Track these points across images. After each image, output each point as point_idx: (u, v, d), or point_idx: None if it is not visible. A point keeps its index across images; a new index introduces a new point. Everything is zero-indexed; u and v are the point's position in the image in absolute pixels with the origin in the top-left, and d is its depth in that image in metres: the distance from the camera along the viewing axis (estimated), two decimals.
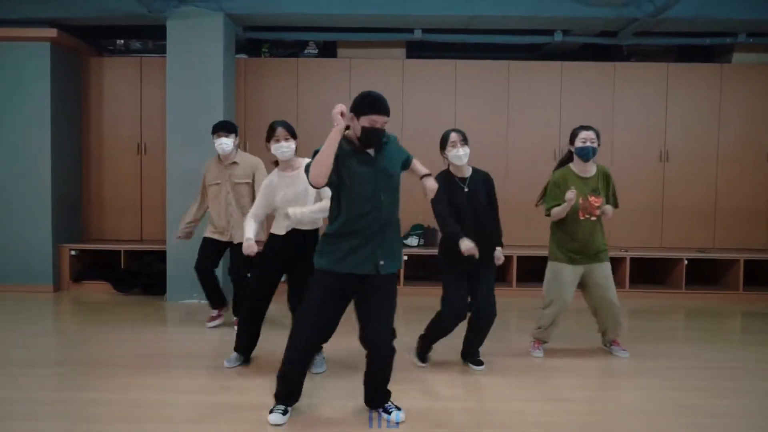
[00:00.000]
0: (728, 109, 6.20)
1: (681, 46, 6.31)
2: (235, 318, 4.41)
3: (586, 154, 3.75)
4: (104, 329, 4.53)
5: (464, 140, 3.53)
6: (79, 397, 3.18)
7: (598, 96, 6.19)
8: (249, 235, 3.51)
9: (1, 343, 4.15)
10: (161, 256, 5.66)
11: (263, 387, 3.34)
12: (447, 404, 3.16)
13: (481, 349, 3.71)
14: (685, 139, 6.23)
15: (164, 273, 5.56)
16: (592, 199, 3.75)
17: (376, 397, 2.97)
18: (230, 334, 4.41)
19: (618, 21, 5.58)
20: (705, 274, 6.21)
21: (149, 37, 6.12)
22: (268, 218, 3.68)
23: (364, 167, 2.76)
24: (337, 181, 2.74)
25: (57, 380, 3.47)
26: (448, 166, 3.60)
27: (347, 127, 2.74)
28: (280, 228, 3.54)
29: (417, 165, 2.95)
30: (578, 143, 3.78)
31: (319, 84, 6.19)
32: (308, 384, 3.06)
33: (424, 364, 3.71)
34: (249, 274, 4.11)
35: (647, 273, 6.28)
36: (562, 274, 3.83)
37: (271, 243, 3.58)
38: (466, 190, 3.54)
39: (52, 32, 5.56)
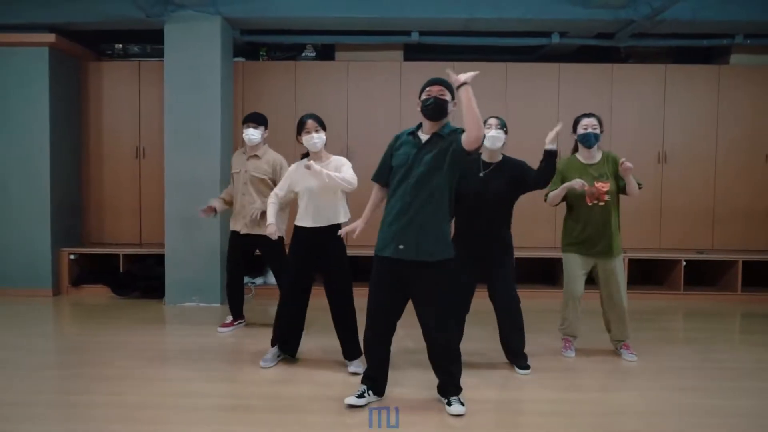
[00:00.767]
0: (726, 111, 6.20)
1: (679, 48, 6.31)
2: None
3: (588, 141, 3.79)
4: (103, 332, 4.54)
5: (501, 126, 3.61)
6: (79, 400, 3.19)
7: (596, 98, 6.18)
8: (271, 219, 3.69)
9: (1, 345, 4.16)
10: (160, 259, 5.67)
11: (263, 390, 3.36)
12: (431, 401, 3.15)
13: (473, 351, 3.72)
14: (683, 140, 6.23)
15: (163, 276, 5.56)
16: (599, 184, 3.76)
17: (442, 386, 3.12)
18: (235, 337, 4.46)
19: (615, 23, 5.58)
20: (703, 275, 6.20)
21: (148, 41, 6.13)
22: (292, 212, 3.78)
23: (408, 148, 2.99)
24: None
25: (57, 383, 3.48)
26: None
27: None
28: (304, 219, 3.62)
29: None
30: (580, 130, 3.83)
31: (317, 87, 6.20)
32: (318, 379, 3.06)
33: None
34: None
35: (645, 274, 6.28)
36: (570, 265, 3.87)
37: (298, 234, 3.66)
38: (480, 175, 3.57)
39: (51, 37, 5.58)
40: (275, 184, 4.16)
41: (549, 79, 6.21)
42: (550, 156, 3.45)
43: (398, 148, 3.06)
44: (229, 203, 4.59)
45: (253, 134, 4.39)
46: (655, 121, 6.24)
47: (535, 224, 6.04)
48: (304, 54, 6.33)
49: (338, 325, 3.72)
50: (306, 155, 3.73)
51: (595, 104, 6.16)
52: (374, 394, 3.14)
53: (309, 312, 3.84)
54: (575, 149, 3.96)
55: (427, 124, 3.02)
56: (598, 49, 6.31)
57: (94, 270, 6.08)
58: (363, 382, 3.16)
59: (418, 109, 3.03)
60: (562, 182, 3.76)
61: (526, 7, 5.47)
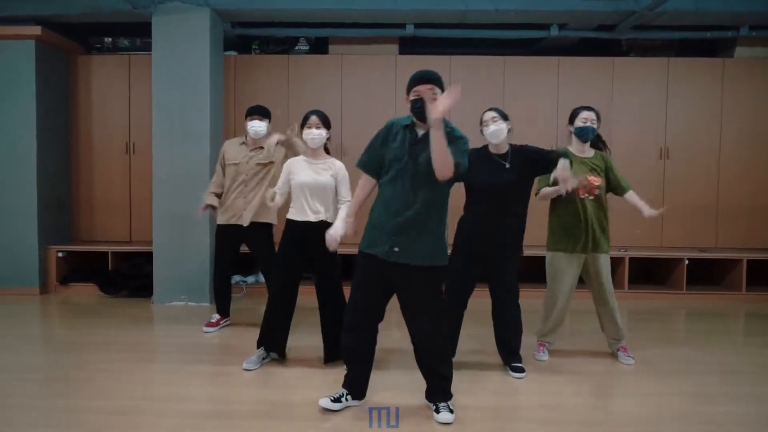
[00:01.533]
0: (730, 105, 6.04)
1: (681, 40, 6.14)
2: None
3: (585, 135, 3.67)
4: (88, 333, 4.41)
5: (500, 117, 3.50)
6: (54, 404, 3.06)
7: (597, 92, 6.03)
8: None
9: None
10: (149, 257, 5.54)
11: (247, 395, 3.23)
12: (421, 406, 3.02)
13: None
14: (686, 135, 6.07)
15: (152, 274, 5.44)
16: (592, 177, 3.63)
17: (430, 391, 2.97)
18: (221, 338, 4.33)
19: (616, 14, 5.43)
20: (707, 274, 6.06)
21: (137, 34, 6.00)
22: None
23: (403, 141, 2.82)
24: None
25: (34, 386, 3.34)
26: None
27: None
28: (296, 213, 3.57)
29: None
30: (578, 122, 3.70)
31: (310, 81, 6.07)
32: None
33: None
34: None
35: (647, 273, 6.14)
36: (558, 263, 3.74)
37: (289, 227, 3.59)
38: (507, 166, 3.46)
39: (37, 30, 5.45)
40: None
41: (548, 74, 6.06)
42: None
43: (392, 139, 2.86)
44: (220, 195, 4.45)
45: (258, 126, 4.30)
46: (657, 116, 6.08)
47: (534, 222, 5.88)
48: (297, 47, 6.20)
49: (327, 324, 3.62)
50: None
51: (596, 99, 5.99)
52: (353, 398, 3.02)
53: (299, 311, 3.72)
54: (569, 142, 3.83)
55: (418, 122, 2.84)
56: (599, 43, 6.16)
57: (83, 268, 5.96)
58: (343, 386, 3.03)
59: (407, 104, 2.85)
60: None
61: None
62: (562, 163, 3.22)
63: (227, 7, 5.34)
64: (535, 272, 5.85)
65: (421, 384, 3.03)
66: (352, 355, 3.00)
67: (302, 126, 3.63)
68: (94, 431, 2.77)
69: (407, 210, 2.76)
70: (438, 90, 2.76)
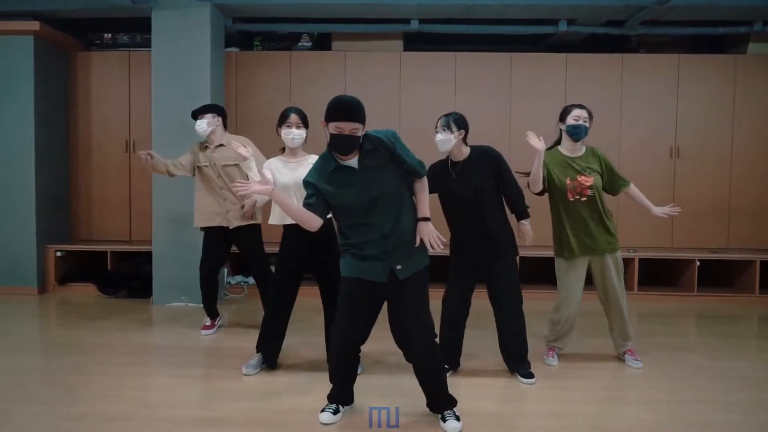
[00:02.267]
0: (743, 103, 5.90)
1: (693, 36, 6.00)
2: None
3: (578, 134, 3.54)
4: (84, 334, 4.32)
5: (445, 126, 3.32)
6: (43, 410, 2.96)
7: (605, 90, 5.90)
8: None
9: None
10: (149, 257, 5.45)
11: (250, 402, 3.12)
12: (426, 414, 2.91)
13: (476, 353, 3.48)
14: (697, 134, 5.93)
15: (151, 275, 5.34)
16: (581, 178, 3.51)
17: (432, 401, 2.86)
18: (220, 341, 4.22)
19: (625, 9, 5.29)
20: (718, 275, 5.91)
21: (137, 30, 5.90)
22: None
23: (343, 183, 2.63)
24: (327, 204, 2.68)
25: (33, 390, 3.24)
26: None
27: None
28: (285, 218, 3.41)
29: (421, 202, 2.79)
30: (570, 120, 3.57)
31: (313, 78, 5.96)
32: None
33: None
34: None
35: (657, 274, 6.00)
36: (561, 270, 3.64)
37: (287, 233, 3.48)
38: (454, 176, 3.35)
39: (35, 25, 5.36)
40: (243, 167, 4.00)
41: (556, 71, 5.94)
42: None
43: (329, 184, 2.62)
44: (168, 173, 4.25)
45: (199, 126, 4.11)
46: (667, 115, 5.94)
47: (538, 222, 5.76)
48: (299, 44, 6.09)
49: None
50: (283, 150, 3.55)
51: (605, 96, 5.90)
52: (345, 405, 2.94)
53: (294, 315, 3.61)
54: (558, 141, 3.70)
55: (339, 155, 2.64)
56: (608, 39, 6.02)
57: (82, 268, 5.88)
58: (331, 401, 2.90)
59: (325, 129, 2.59)
60: (548, 175, 3.53)
61: None
62: (524, 228, 3.43)
63: (228, 1, 5.24)
64: (538, 273, 5.76)
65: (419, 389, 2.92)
66: (342, 378, 2.90)
67: (279, 123, 3.48)
68: None
69: (392, 233, 2.65)
70: (360, 126, 2.55)
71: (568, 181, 3.52)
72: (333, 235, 3.43)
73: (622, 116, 5.90)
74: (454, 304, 3.44)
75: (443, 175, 3.37)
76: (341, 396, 2.92)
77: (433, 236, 2.68)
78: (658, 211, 3.63)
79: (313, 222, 2.66)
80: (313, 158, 3.45)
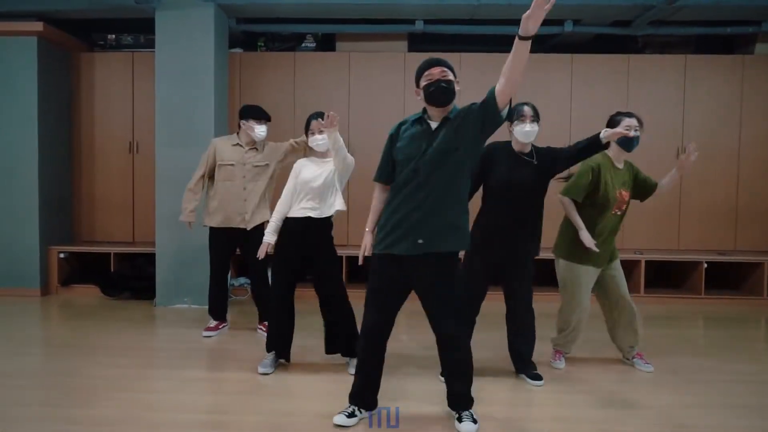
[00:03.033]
0: (750, 103, 5.84)
1: (700, 36, 5.95)
2: (261, 324, 4.34)
3: (630, 144, 3.39)
4: (86, 336, 4.29)
5: (535, 118, 3.26)
6: (43, 413, 2.93)
7: (612, 90, 5.86)
8: (268, 239, 3.53)
9: None
10: (152, 258, 5.42)
11: (256, 405, 3.08)
12: (437, 415, 2.87)
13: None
14: (704, 135, 5.87)
15: (154, 276, 5.31)
16: (623, 193, 3.45)
17: (452, 398, 2.83)
18: (224, 343, 4.19)
19: (632, 9, 5.25)
20: (726, 278, 5.86)
21: (141, 31, 5.89)
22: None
23: (416, 138, 2.70)
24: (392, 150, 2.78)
25: (35, 393, 3.21)
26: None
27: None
28: (293, 210, 3.50)
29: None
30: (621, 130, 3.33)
31: (317, 79, 5.93)
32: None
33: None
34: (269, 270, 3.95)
35: (664, 277, 5.95)
36: (577, 274, 3.50)
37: (287, 226, 3.51)
38: (535, 162, 3.29)
39: (39, 26, 5.35)
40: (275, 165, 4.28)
41: (561, 71, 5.89)
42: (597, 146, 3.17)
43: (402, 138, 2.74)
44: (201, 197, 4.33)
45: (262, 131, 4.19)
46: (674, 115, 5.89)
47: (546, 224, 5.72)
48: (303, 44, 6.06)
49: (333, 320, 3.54)
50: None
51: (611, 97, 5.85)
52: (366, 410, 2.87)
53: (298, 317, 3.59)
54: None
55: (433, 110, 2.71)
56: (614, 39, 5.97)
57: (85, 269, 5.86)
58: (352, 401, 2.87)
59: (418, 97, 2.72)
60: (593, 179, 3.40)
61: None
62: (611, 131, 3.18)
63: (232, 2, 5.22)
64: (548, 276, 5.71)
65: (435, 391, 2.88)
66: (364, 371, 2.85)
67: (306, 130, 3.59)
68: None
69: (425, 201, 2.63)
70: (449, 72, 2.66)
71: (616, 194, 3.42)
72: (328, 233, 3.51)
73: None
74: (468, 301, 3.35)
75: (505, 159, 3.28)
76: (363, 396, 2.85)
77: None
78: (680, 163, 3.44)
79: (383, 196, 2.86)
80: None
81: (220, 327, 4.43)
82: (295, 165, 3.63)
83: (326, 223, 3.50)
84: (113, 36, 5.99)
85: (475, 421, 2.74)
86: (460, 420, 2.75)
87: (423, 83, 2.67)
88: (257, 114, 4.19)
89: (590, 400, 3.19)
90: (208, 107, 5.18)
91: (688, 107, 5.89)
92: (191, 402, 3.13)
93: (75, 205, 6.06)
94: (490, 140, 3.04)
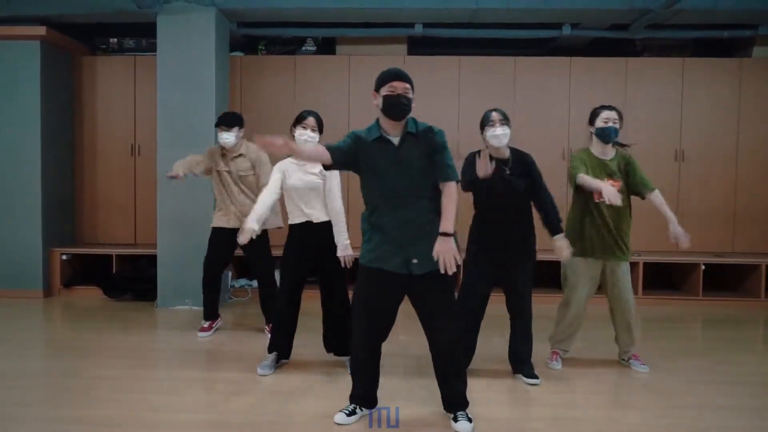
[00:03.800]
0: (748, 106, 5.88)
1: (697, 40, 6.00)
2: (268, 325, 4.31)
3: (608, 135, 3.51)
4: (87, 337, 4.33)
5: (504, 120, 3.31)
6: (42, 413, 2.96)
7: (610, 93, 5.87)
8: (251, 225, 3.54)
9: None
10: (153, 260, 5.46)
11: (255, 405, 3.11)
12: (435, 415, 2.90)
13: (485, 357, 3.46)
14: (702, 137, 5.91)
15: (156, 278, 5.35)
16: (611, 182, 3.48)
17: (446, 400, 2.87)
18: (224, 344, 4.22)
19: (630, 13, 5.29)
20: (723, 279, 5.89)
21: (143, 35, 5.94)
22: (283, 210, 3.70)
23: (383, 156, 2.67)
24: (359, 168, 2.73)
25: (36, 394, 3.25)
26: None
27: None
28: (293, 217, 3.56)
29: (446, 212, 2.64)
30: (599, 123, 3.54)
31: (317, 82, 5.97)
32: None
33: None
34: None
35: (662, 278, 5.98)
36: (579, 266, 3.58)
37: (292, 231, 3.56)
38: (508, 172, 3.32)
39: (42, 30, 5.40)
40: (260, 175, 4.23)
41: (560, 74, 5.93)
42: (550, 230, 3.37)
43: (366, 152, 2.69)
44: (194, 175, 4.38)
45: (227, 137, 4.19)
46: (672, 118, 5.93)
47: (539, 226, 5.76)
48: (304, 48, 6.11)
49: (334, 319, 3.59)
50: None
51: (609, 100, 5.72)
52: (365, 408, 2.92)
53: (300, 318, 3.63)
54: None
55: (387, 122, 2.70)
56: (612, 43, 6.02)
57: (88, 271, 5.90)
58: (352, 401, 2.91)
59: (375, 102, 2.69)
60: (582, 162, 3.51)
61: None
62: (561, 243, 3.32)
63: (233, 6, 5.27)
64: (546, 277, 5.75)
65: (435, 391, 2.91)
66: (361, 373, 2.90)
67: (295, 123, 3.54)
68: None
69: (414, 221, 2.65)
70: (411, 89, 2.66)
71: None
72: (332, 235, 3.52)
73: (626, 120, 5.78)
74: (471, 304, 3.43)
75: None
76: (362, 396, 2.89)
77: (451, 257, 2.56)
78: (674, 229, 3.52)
79: (323, 156, 2.65)
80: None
81: (214, 325, 4.47)
82: (279, 164, 3.61)
83: (328, 225, 3.52)
84: (115, 40, 6.05)
85: (470, 420, 2.78)
86: (455, 420, 2.79)
87: (384, 93, 2.64)
88: (222, 120, 4.22)
89: (587, 401, 3.22)
90: (209, 110, 5.21)
91: (686, 110, 5.92)
92: (192, 402, 3.16)
93: (77, 207, 6.10)
94: (471, 148, 3.11)
